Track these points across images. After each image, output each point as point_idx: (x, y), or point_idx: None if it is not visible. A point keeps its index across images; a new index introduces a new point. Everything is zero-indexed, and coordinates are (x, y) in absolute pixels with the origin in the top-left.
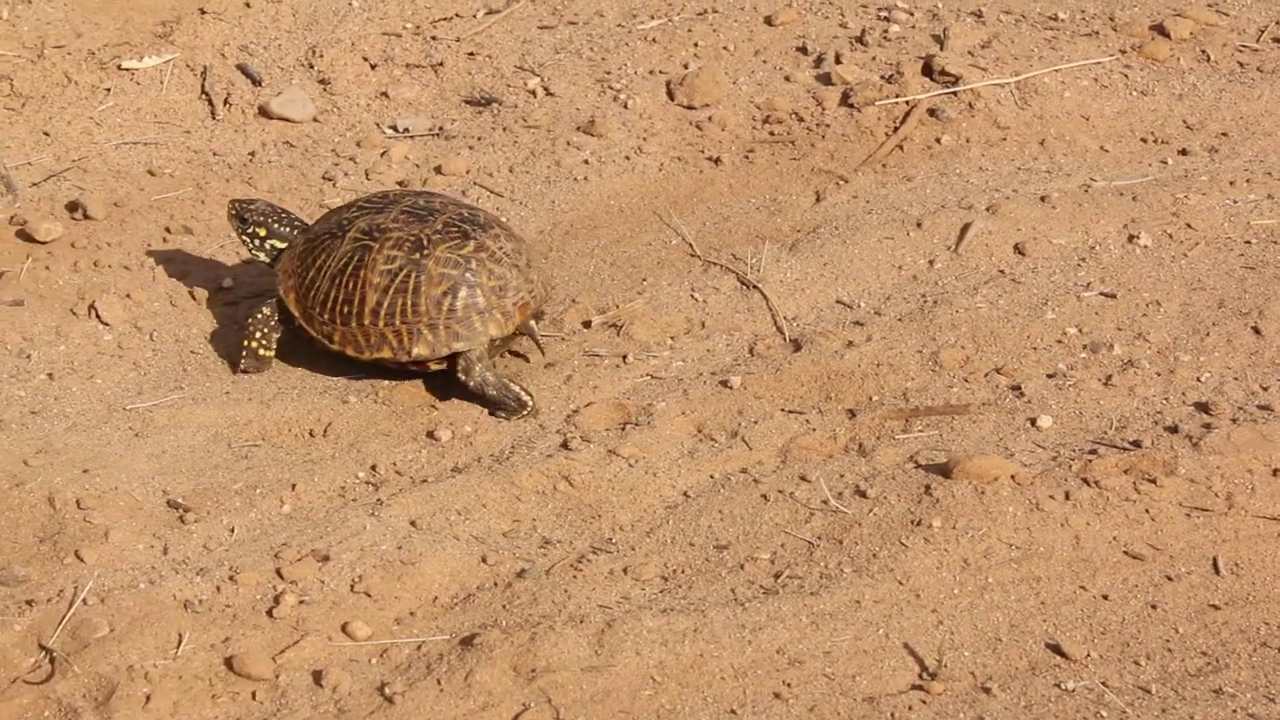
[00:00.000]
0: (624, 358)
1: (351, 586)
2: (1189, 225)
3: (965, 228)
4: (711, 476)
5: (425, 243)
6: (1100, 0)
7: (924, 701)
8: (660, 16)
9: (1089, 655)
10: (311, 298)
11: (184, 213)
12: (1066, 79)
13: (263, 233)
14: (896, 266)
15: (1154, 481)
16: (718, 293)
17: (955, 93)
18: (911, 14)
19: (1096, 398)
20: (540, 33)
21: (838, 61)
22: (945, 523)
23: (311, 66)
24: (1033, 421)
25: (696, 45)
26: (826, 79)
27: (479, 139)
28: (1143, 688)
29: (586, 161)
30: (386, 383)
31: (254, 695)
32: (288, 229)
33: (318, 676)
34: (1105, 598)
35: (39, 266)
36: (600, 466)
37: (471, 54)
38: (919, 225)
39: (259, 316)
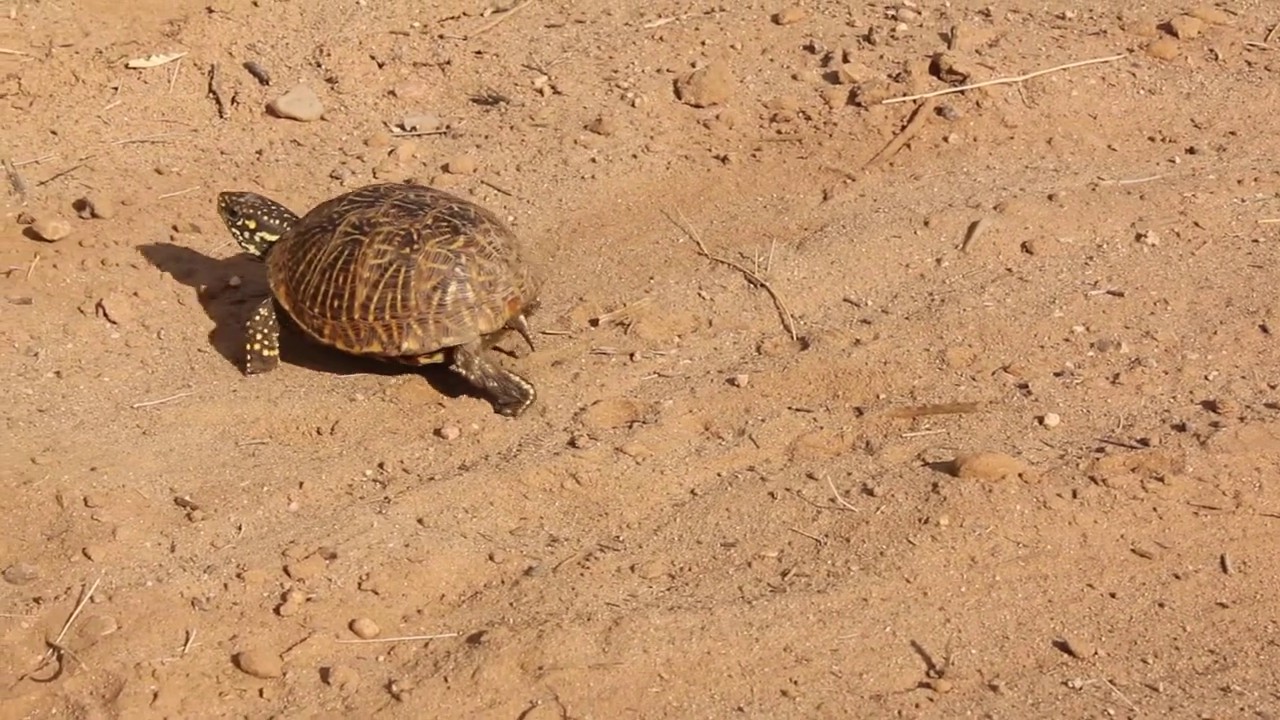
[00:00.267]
0: (631, 356)
1: (359, 584)
2: (1197, 224)
3: (972, 226)
4: (719, 474)
5: (415, 237)
6: None
7: (931, 699)
8: (668, 15)
9: (1096, 653)
10: (302, 292)
11: (191, 211)
12: (1074, 78)
13: (252, 225)
14: (904, 265)
15: (1161, 480)
16: (725, 291)
17: (963, 91)
18: (919, 13)
19: (1104, 396)
20: (547, 31)
21: (845, 60)
22: (952, 521)
23: (319, 65)
24: (1040, 420)
25: (704, 44)
26: (834, 78)
27: (486, 137)
28: (1150, 686)
29: (594, 160)
30: (394, 381)
31: (261, 693)
32: (278, 222)
33: (325, 674)
34: (1113, 596)
35: (47, 265)
36: (607, 464)
37: (479, 52)
38: (926, 224)
39: (257, 318)
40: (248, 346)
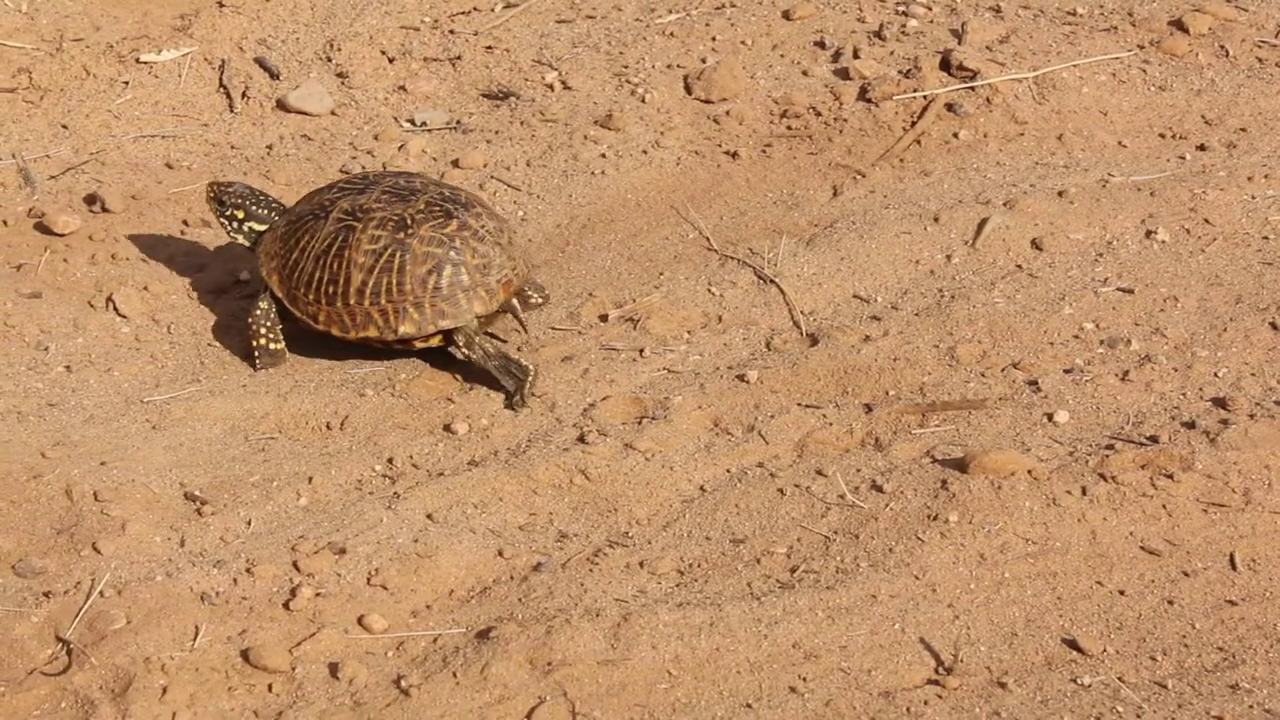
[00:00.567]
0: (641, 351)
1: (368, 579)
2: (1207, 221)
3: (982, 223)
4: (728, 470)
5: (409, 222)
6: None
7: (940, 696)
8: (678, 11)
9: (1105, 650)
10: (296, 279)
11: (201, 206)
12: (1085, 74)
13: (241, 215)
14: (913, 261)
15: (1171, 477)
16: (735, 287)
17: (973, 88)
18: (929, 9)
19: (1113, 393)
20: (558, 26)
21: (855, 56)
22: (962, 518)
23: (329, 60)
24: (1049, 417)
25: (714, 39)
26: (844, 73)
27: (496, 133)
28: (1159, 683)
29: (604, 155)
30: (403, 375)
31: (270, 687)
32: (266, 211)
33: (334, 669)
34: (1122, 593)
35: (57, 259)
36: (617, 460)
37: (489, 48)
38: (936, 220)
39: (258, 313)
40: (253, 342)
